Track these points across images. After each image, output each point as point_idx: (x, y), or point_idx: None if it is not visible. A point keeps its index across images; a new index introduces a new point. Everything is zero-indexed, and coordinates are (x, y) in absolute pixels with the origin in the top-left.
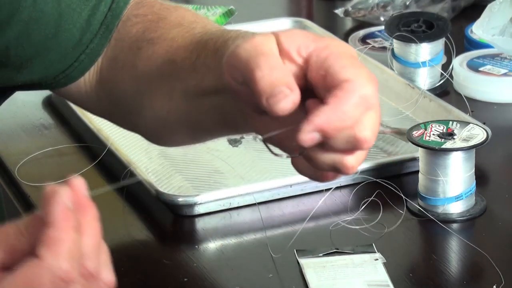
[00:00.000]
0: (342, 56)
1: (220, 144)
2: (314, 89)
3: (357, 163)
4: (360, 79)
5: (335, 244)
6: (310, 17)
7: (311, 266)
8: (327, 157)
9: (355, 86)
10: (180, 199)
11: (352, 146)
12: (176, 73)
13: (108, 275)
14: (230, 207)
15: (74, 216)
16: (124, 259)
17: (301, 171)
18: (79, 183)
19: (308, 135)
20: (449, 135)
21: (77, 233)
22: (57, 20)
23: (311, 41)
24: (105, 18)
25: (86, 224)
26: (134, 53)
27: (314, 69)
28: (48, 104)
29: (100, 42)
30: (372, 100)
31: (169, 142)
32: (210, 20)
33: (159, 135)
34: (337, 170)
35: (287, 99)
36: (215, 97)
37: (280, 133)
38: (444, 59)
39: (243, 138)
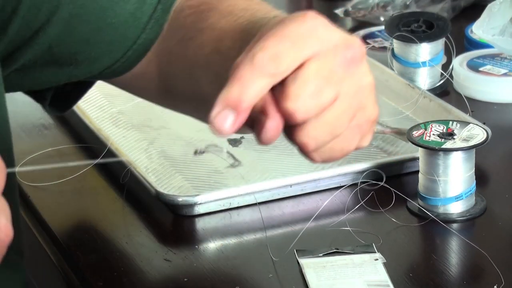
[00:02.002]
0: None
1: (220, 144)
2: None
3: (309, 138)
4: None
5: (335, 244)
6: None
7: (311, 266)
8: (293, 138)
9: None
10: (180, 199)
11: (288, 120)
12: (222, 62)
13: (3, 220)
14: (230, 207)
15: None
16: (124, 259)
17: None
18: None
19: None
20: (449, 135)
21: None
22: (98, 15)
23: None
24: (154, 12)
25: None
26: (186, 44)
27: None
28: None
29: (148, 37)
30: (262, 62)
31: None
32: (264, 4)
33: None
34: (301, 149)
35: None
36: None
37: None
38: (444, 59)
39: (243, 138)
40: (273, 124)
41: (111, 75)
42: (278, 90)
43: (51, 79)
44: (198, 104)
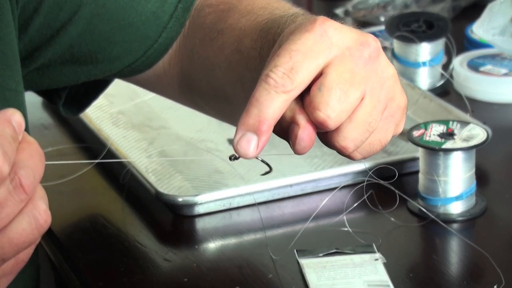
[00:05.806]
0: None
1: (220, 144)
2: None
3: (347, 140)
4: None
5: (335, 244)
6: None
7: (311, 266)
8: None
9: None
10: (180, 199)
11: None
12: (243, 62)
13: (43, 206)
14: (230, 207)
15: (12, 126)
16: (124, 259)
17: None
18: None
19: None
20: (449, 135)
21: (12, 138)
22: (120, 14)
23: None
24: (175, 10)
25: (27, 144)
26: (207, 44)
27: None
28: (48, 104)
29: (168, 36)
30: (275, 81)
31: None
32: (283, 2)
33: None
34: (341, 152)
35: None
36: None
37: None
38: (444, 59)
39: None
40: (305, 133)
41: (131, 74)
42: (306, 99)
43: (70, 78)
44: (221, 104)
